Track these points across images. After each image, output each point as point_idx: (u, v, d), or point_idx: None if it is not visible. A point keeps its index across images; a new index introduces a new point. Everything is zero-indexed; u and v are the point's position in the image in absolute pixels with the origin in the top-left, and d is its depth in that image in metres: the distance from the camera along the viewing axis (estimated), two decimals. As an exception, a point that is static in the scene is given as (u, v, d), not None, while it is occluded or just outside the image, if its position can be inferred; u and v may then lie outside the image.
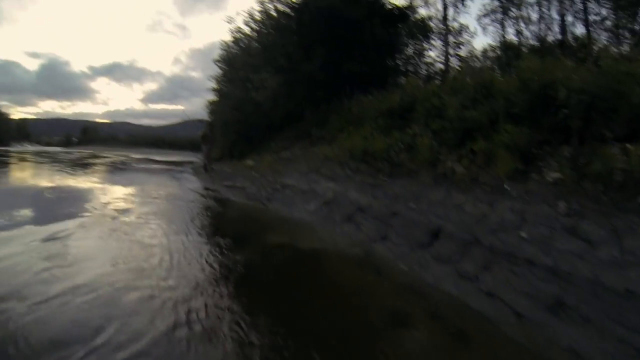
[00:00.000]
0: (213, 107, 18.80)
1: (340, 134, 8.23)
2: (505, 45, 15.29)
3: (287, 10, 14.39)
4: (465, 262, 3.10)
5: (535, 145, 3.76)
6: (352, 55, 11.82)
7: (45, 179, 10.50)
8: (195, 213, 5.93)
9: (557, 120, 3.68)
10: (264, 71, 12.02)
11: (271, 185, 6.90)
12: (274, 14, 15.40)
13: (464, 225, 3.42)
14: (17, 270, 3.15)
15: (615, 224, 2.56)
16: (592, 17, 12.41)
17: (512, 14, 15.25)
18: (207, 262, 3.59)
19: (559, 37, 13.43)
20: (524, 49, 13.73)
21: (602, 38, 12.10)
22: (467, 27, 16.18)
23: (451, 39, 15.72)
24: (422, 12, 15.60)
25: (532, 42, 14.48)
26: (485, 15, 15.63)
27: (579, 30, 13.18)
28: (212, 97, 19.58)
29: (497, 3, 15.26)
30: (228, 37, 19.72)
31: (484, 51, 16.66)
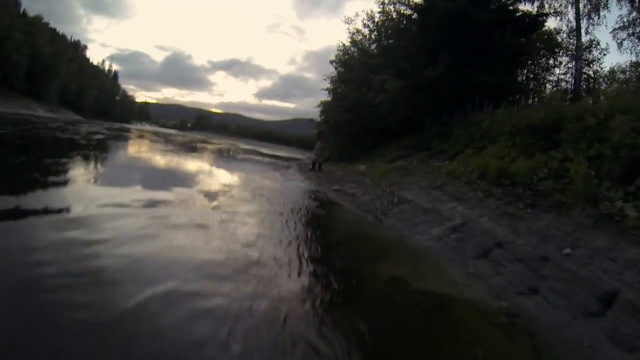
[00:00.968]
0: (325, 107, 18.96)
1: (465, 150, 7.58)
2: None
3: (409, 12, 13.87)
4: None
5: None
6: (479, 64, 10.95)
7: (155, 158, 11.24)
8: (297, 219, 5.01)
9: None
10: (385, 73, 11.63)
11: (387, 197, 6.46)
12: (395, 15, 14.98)
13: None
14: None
15: None
16: None
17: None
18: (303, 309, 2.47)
19: None
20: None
21: None
22: (599, 42, 14.28)
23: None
24: (551, 22, 13.95)
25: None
26: (621, 29, 13.34)
27: None
28: (324, 97, 19.80)
29: (637, 15, 12.95)
30: (345, 39, 19.84)
31: (612, 71, 14.53)
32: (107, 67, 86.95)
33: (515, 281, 3.28)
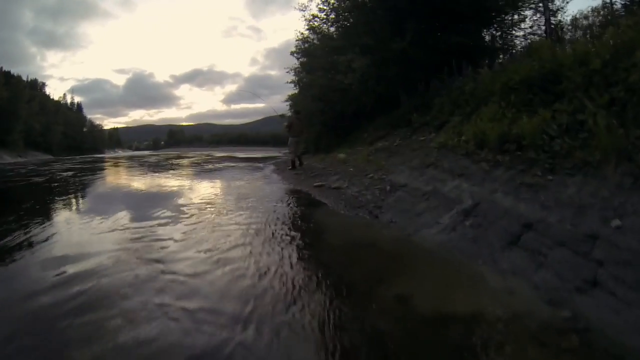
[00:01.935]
0: (294, 100, 18.25)
1: (450, 119, 6.88)
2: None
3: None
4: None
5: None
6: (446, 27, 10.23)
7: (133, 181, 10.97)
8: (278, 236, 4.10)
9: None
10: (350, 53, 10.80)
11: (377, 185, 5.69)
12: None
13: None
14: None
15: None
16: None
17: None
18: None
19: None
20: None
21: None
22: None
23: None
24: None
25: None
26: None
27: None
28: (291, 91, 19.18)
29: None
30: (302, 28, 18.96)
31: (574, 19, 14.08)
32: (69, 100, 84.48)
33: (565, 273, 2.54)
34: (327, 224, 4.70)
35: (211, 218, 4.99)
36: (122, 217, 5.22)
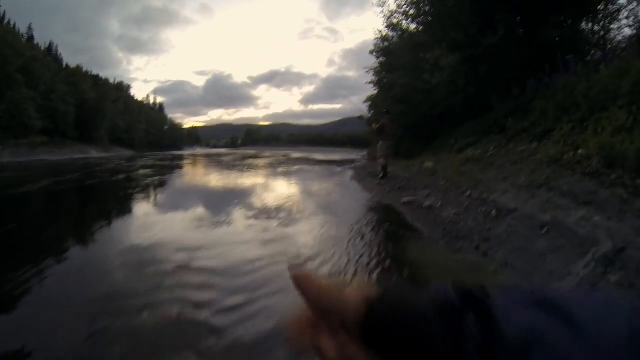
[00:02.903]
0: (374, 101, 17.81)
1: (558, 126, 6.01)
2: None
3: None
4: None
5: None
6: (541, 19, 9.11)
7: (211, 184, 11.50)
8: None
9: None
10: (437, 49, 10.02)
11: (477, 207, 4.97)
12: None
13: None
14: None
15: None
16: None
17: None
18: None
19: None
20: None
21: None
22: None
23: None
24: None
25: None
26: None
27: None
28: (371, 91, 18.84)
29: None
30: (381, 26, 18.37)
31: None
32: (152, 101, 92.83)
33: None
34: (421, 264, 3.69)
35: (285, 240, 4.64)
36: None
